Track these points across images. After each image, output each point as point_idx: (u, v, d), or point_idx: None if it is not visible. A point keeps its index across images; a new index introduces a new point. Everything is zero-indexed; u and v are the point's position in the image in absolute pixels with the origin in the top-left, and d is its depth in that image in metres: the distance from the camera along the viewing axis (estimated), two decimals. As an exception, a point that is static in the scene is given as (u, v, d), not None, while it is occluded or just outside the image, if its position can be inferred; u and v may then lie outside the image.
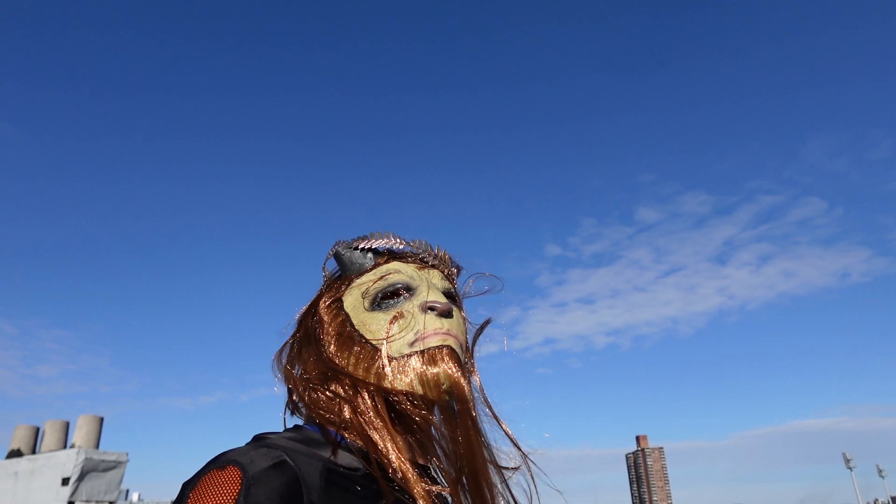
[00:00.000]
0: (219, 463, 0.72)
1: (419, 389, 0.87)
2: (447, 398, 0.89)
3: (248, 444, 0.79)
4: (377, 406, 0.87)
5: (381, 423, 0.86)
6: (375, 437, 0.85)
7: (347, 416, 0.87)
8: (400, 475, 0.83)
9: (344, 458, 0.82)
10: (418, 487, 0.83)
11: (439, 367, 0.88)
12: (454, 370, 0.89)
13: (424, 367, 0.88)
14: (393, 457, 0.84)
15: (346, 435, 0.86)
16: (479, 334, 1.06)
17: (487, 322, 1.08)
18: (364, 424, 0.86)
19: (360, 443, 0.85)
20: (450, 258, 1.07)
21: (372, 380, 0.89)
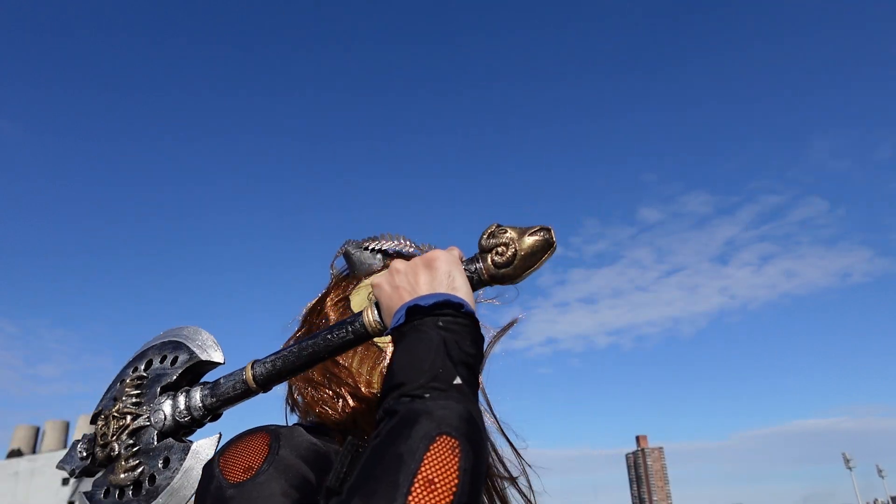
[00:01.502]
0: (241, 435, 0.75)
1: None
2: None
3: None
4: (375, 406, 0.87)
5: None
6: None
7: (349, 415, 0.88)
8: None
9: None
10: None
11: None
12: None
13: None
14: None
15: (346, 430, 0.87)
16: (503, 335, 1.07)
17: (513, 322, 1.09)
18: (366, 424, 0.87)
19: (358, 437, 0.86)
20: None
21: (376, 379, 0.90)
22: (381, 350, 0.92)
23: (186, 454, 0.83)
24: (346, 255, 1.06)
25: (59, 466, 0.95)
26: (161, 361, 0.93)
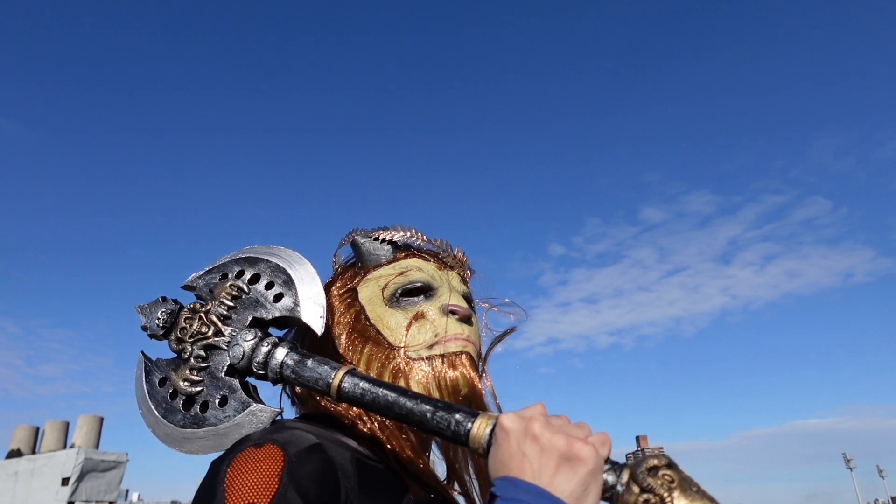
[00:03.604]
0: (253, 441, 0.70)
1: (435, 393, 0.86)
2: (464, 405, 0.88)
3: (269, 428, 0.78)
4: None
5: (394, 424, 0.84)
6: (388, 434, 0.84)
7: (356, 413, 0.85)
8: (419, 472, 0.82)
9: (365, 447, 0.82)
10: (436, 484, 0.84)
11: (458, 372, 0.88)
12: (473, 377, 0.89)
13: (443, 371, 0.87)
14: (407, 454, 0.84)
15: (359, 427, 0.85)
16: (500, 341, 1.06)
17: (511, 330, 1.07)
18: (375, 422, 0.84)
19: (368, 435, 0.84)
20: (467, 261, 1.06)
21: (387, 378, 0.87)
22: (393, 347, 0.89)
23: (244, 409, 0.79)
24: (354, 245, 1.02)
25: (139, 308, 0.89)
26: (267, 287, 0.86)
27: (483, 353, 1.01)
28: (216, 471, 0.67)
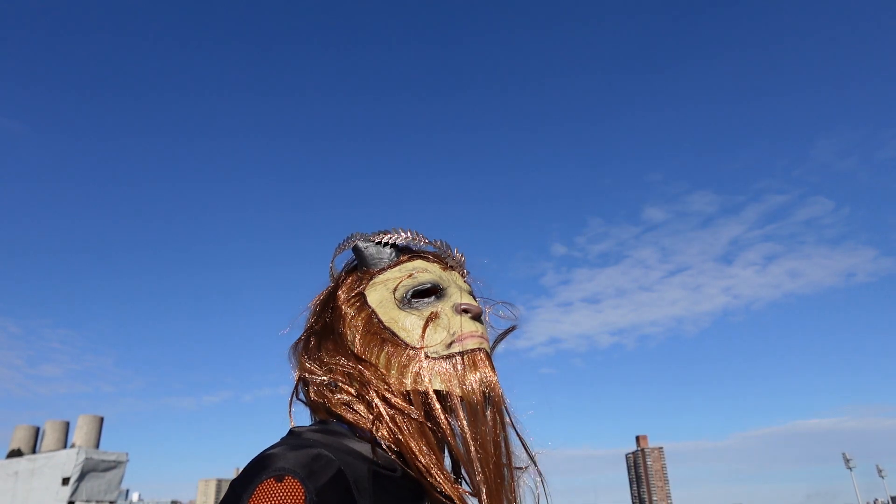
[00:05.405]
0: (273, 471, 0.67)
1: (457, 391, 0.86)
2: (484, 402, 0.88)
3: (286, 440, 0.77)
4: (411, 407, 0.85)
5: (415, 425, 0.84)
6: (408, 438, 0.83)
7: (376, 418, 0.84)
8: (435, 478, 0.81)
9: (380, 457, 0.81)
10: (454, 490, 0.82)
11: (479, 370, 0.88)
12: (493, 374, 0.89)
13: (465, 369, 0.87)
14: (427, 459, 0.82)
15: (376, 432, 0.83)
16: (501, 340, 1.05)
17: (512, 329, 1.06)
18: (397, 424, 0.84)
19: (388, 440, 0.83)
20: (465, 261, 1.05)
21: (408, 379, 0.86)
22: (411, 348, 0.88)
23: None
24: (356, 249, 1.01)
25: None
26: None
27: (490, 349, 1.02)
28: (236, 499, 0.66)
